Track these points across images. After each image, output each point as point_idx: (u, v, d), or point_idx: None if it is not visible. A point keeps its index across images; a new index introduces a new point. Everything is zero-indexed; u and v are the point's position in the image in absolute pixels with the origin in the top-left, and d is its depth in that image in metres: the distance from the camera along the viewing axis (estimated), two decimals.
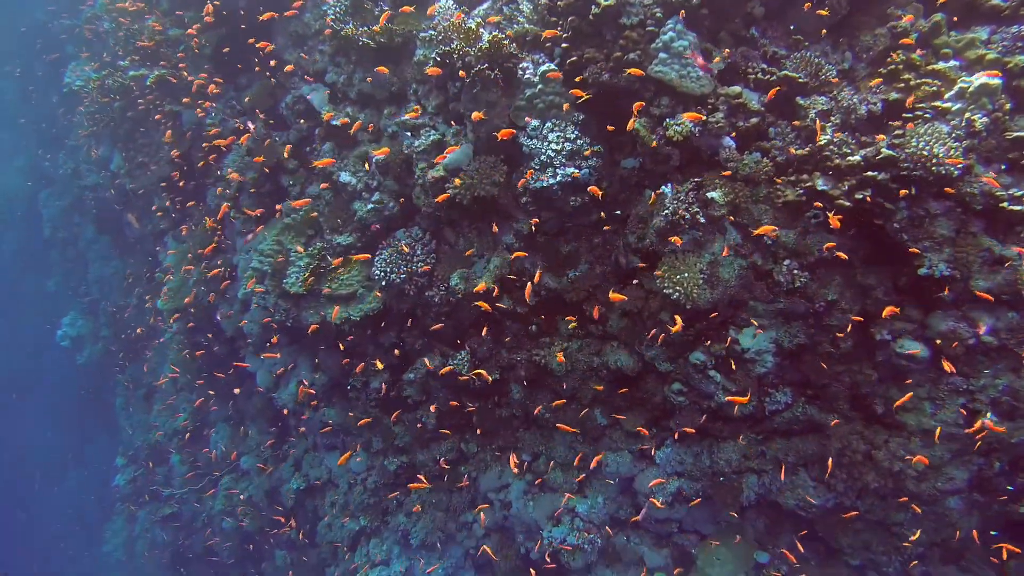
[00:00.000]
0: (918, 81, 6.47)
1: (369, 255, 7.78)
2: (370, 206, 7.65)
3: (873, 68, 6.89)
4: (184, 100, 9.92)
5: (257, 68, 8.78)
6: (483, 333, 7.60)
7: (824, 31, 6.84)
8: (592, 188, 6.64)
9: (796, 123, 6.60)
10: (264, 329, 9.26)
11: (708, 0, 6.32)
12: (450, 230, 7.58)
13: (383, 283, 7.67)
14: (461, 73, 6.61)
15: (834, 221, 6.22)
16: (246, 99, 8.97)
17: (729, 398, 6.91)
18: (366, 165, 7.71)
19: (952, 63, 6.51)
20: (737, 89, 6.54)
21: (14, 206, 21.15)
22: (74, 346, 17.83)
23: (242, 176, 9.08)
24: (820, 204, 6.40)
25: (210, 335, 10.96)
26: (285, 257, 8.43)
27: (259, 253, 8.69)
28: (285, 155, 8.50)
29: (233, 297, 9.91)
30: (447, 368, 7.82)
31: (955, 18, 6.62)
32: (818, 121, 6.47)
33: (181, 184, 10.48)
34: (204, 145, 9.75)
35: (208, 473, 12.28)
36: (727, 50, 6.61)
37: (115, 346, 15.77)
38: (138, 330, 14.16)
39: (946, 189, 6.06)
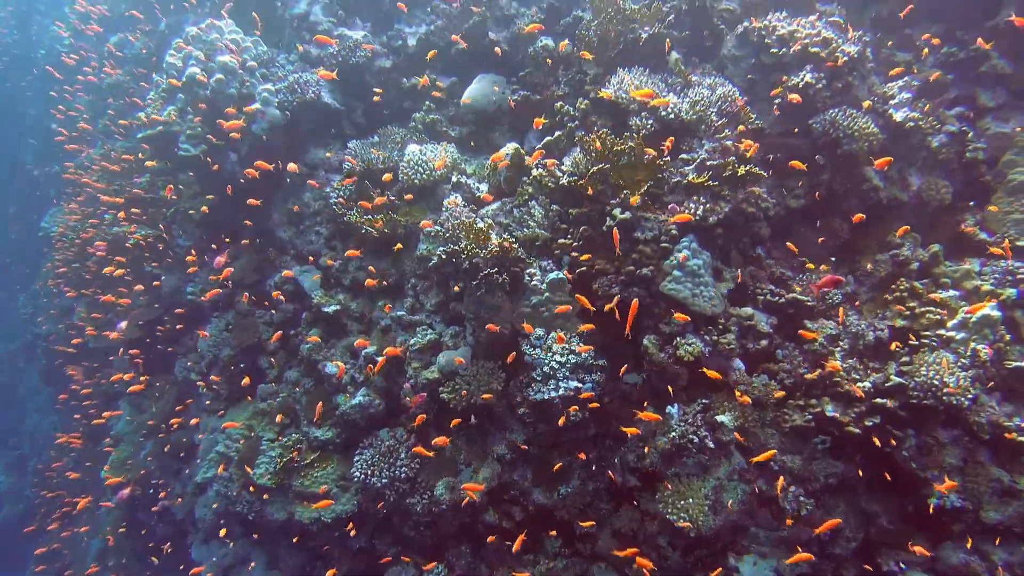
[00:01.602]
0: (922, 309, 6.45)
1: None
2: (355, 401, 7.15)
3: (875, 293, 6.90)
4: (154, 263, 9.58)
5: (245, 242, 8.51)
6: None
7: (830, 257, 6.86)
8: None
9: (808, 336, 6.47)
10: (219, 516, 8.44)
11: (722, 220, 6.27)
12: (437, 434, 7.09)
13: (361, 486, 7.06)
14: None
15: None
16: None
17: None
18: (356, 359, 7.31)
19: (952, 292, 6.52)
20: (749, 311, 6.43)
21: None
22: None
23: (217, 351, 8.58)
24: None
25: (155, 513, 10.01)
26: (255, 444, 7.79)
27: (226, 436, 8.07)
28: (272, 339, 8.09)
29: (188, 478, 9.12)
30: None
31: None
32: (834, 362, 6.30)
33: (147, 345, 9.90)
34: (178, 312, 9.31)
35: None
36: (739, 271, 6.52)
37: (39, 510, 14.36)
38: (67, 499, 12.93)
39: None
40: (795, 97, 6.53)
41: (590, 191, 6.34)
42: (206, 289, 8.96)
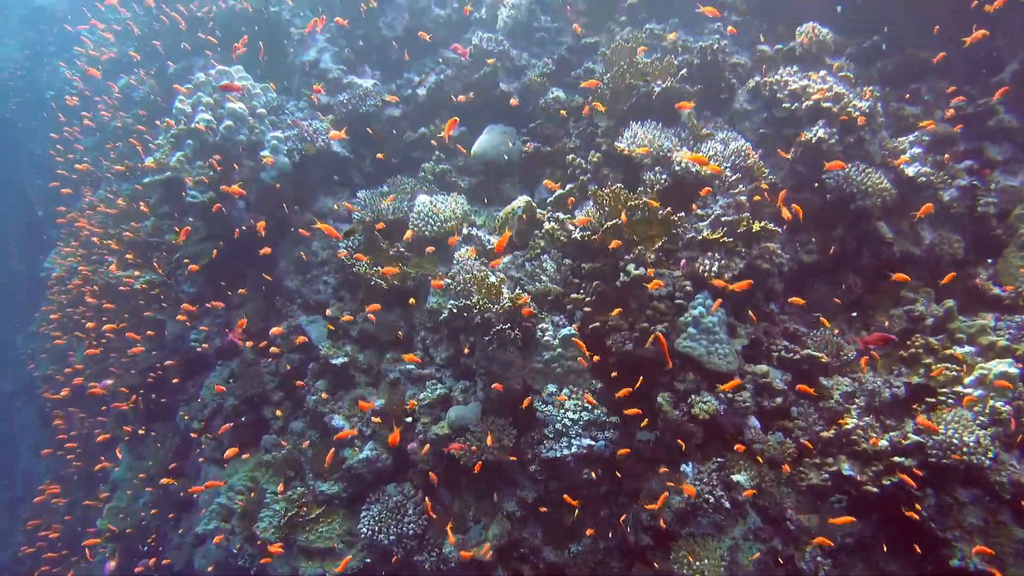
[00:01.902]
0: (939, 366, 6.38)
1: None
2: (362, 455, 7.01)
3: (890, 348, 6.84)
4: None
5: (242, 291, 8.42)
6: None
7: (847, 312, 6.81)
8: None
9: (809, 392, 6.41)
10: (219, 570, 8.24)
11: (738, 276, 6.22)
12: (446, 490, 6.96)
13: (368, 542, 6.90)
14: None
15: None
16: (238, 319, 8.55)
17: None
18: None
19: (968, 348, 6.46)
20: (764, 368, 6.35)
21: None
22: None
23: (220, 400, 8.45)
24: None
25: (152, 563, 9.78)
26: (258, 497, 7.64)
27: (229, 488, 7.91)
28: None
29: (187, 529, 8.93)
30: None
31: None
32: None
33: (152, 396, 9.76)
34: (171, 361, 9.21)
35: None
36: (751, 329, 6.46)
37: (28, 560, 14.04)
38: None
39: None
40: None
41: (615, 244, 6.23)
42: (210, 337, 8.87)
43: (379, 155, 8.11)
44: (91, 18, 12.94)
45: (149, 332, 9.68)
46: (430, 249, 7.27)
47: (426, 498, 6.87)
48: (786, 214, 6.39)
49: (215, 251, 8.37)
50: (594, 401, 6.27)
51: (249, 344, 8.27)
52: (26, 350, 15.04)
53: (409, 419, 6.89)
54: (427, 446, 6.71)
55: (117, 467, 10.44)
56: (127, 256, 10.09)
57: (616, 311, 6.21)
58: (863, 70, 7.68)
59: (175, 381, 9.37)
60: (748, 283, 5.94)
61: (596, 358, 6.28)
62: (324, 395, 7.47)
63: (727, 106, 7.27)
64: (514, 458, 6.51)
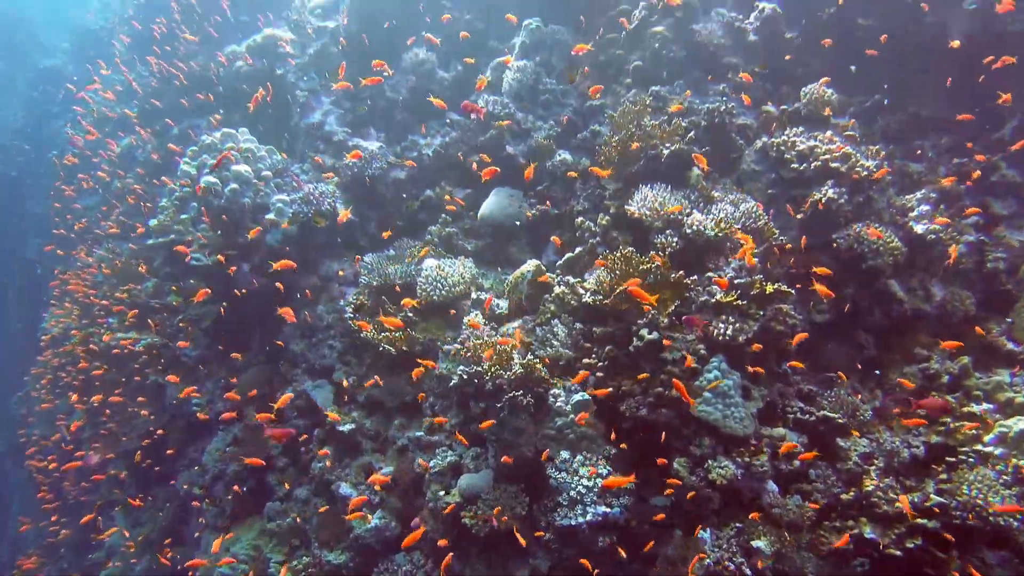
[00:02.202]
0: (956, 424, 6.31)
1: None
2: (371, 525, 6.85)
3: (905, 408, 6.77)
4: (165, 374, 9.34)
5: (237, 355, 8.33)
6: None
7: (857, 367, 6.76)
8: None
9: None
10: None
11: (753, 339, 6.17)
12: (457, 559, 6.78)
13: None
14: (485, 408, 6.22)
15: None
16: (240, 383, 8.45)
17: None
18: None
19: (986, 406, 6.40)
20: (782, 431, 6.26)
21: None
22: None
23: (223, 466, 8.29)
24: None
25: None
26: (262, 567, 7.44)
27: (231, 556, 7.71)
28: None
29: None
30: None
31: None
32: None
33: (147, 462, 9.57)
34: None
35: None
36: (765, 390, 6.38)
37: None
38: None
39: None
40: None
41: (649, 305, 6.18)
42: (213, 401, 8.76)
43: (384, 233, 8.07)
44: (95, 78, 13.07)
45: (140, 398, 9.57)
46: (453, 313, 7.20)
47: (442, 565, 6.67)
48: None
49: (221, 310, 8.31)
50: (623, 481, 6.14)
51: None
52: (19, 411, 14.84)
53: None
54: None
55: (112, 533, 10.20)
56: (127, 318, 10.01)
57: (642, 375, 6.13)
58: (866, 128, 7.76)
59: (170, 451, 9.21)
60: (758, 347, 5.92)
61: (613, 434, 6.18)
62: (329, 463, 7.32)
63: (735, 167, 7.30)
64: (522, 539, 6.35)
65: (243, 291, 8.09)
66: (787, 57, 7.77)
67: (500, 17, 8.66)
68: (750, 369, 6.26)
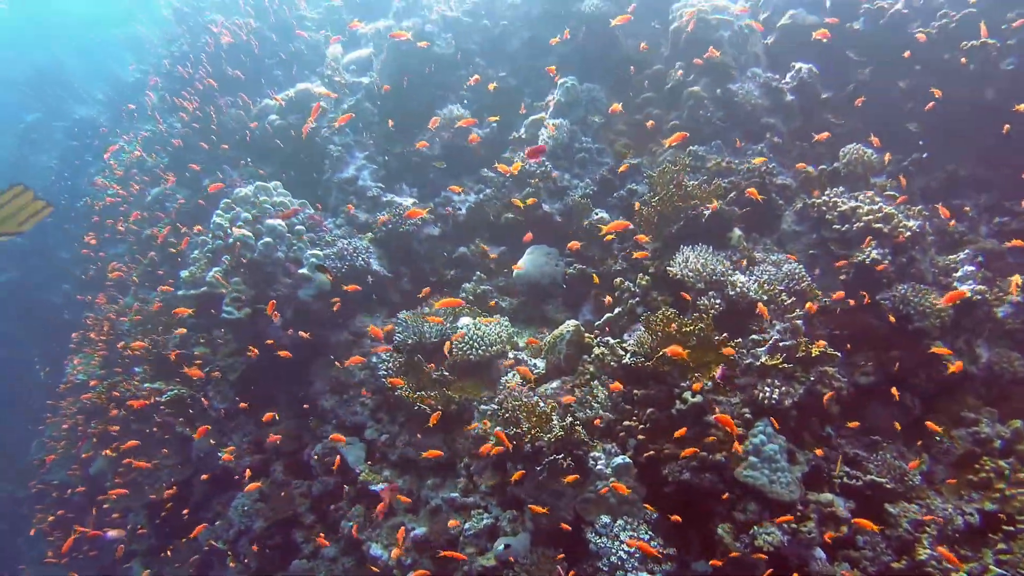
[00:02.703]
0: (1012, 491, 6.14)
1: None
2: None
3: (954, 472, 6.62)
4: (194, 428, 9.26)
5: (272, 414, 8.28)
6: None
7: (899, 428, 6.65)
8: None
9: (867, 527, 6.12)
10: None
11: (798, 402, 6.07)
12: None
13: None
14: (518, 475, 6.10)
15: None
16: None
17: None
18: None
19: None
20: (829, 496, 6.11)
21: None
22: None
23: (249, 522, 8.17)
24: None
25: None
26: None
27: None
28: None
29: None
30: None
31: None
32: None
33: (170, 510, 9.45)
34: (204, 477, 8.96)
35: None
36: (813, 452, 6.26)
37: None
38: None
39: None
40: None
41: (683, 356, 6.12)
42: (240, 455, 8.67)
43: (422, 291, 8.05)
44: (129, 129, 13.32)
45: (164, 450, 9.52)
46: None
47: None
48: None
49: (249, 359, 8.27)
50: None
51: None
52: (40, 455, 14.78)
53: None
54: None
55: None
56: (153, 368, 10.00)
57: (681, 436, 6.02)
58: (903, 189, 7.73)
59: (185, 511, 9.10)
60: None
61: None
62: (355, 529, 7.17)
63: (775, 227, 7.27)
64: None
65: (273, 341, 8.06)
66: (832, 118, 7.79)
67: (534, 75, 8.79)
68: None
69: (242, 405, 8.45)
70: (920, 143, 7.81)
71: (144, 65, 16.34)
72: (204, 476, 9.02)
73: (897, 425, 6.71)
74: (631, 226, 7.08)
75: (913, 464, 6.43)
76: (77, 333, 12.81)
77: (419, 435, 7.20)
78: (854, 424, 6.56)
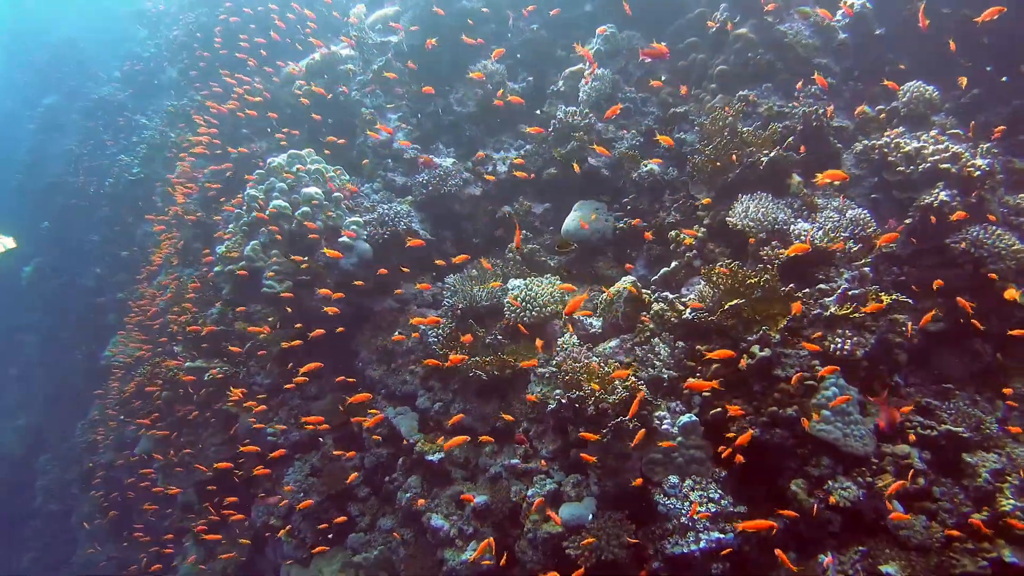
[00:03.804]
0: None
1: None
2: (466, 556, 6.65)
3: None
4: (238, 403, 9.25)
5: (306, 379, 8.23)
6: None
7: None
8: None
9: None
10: None
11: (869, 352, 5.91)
12: None
13: None
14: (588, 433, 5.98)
15: None
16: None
17: None
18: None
19: None
20: (906, 448, 5.97)
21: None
22: None
23: (300, 497, 8.16)
24: None
25: None
26: None
27: None
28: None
29: None
30: None
31: None
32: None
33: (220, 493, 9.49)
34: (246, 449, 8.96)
35: None
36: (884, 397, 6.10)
37: None
38: None
39: None
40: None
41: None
42: (288, 431, 8.65)
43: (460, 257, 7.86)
44: (150, 106, 13.18)
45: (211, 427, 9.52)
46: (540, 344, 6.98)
47: None
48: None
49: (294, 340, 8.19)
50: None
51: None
52: (86, 437, 14.97)
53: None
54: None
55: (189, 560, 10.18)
56: (193, 345, 9.97)
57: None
58: (962, 125, 7.44)
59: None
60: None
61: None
62: (421, 501, 7.13)
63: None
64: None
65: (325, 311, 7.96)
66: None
67: (566, 26, 8.52)
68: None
69: (288, 385, 8.35)
70: (988, 71, 7.45)
71: (158, 39, 16.11)
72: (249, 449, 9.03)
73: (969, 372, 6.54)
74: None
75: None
76: (132, 316, 12.78)
77: (474, 401, 7.11)
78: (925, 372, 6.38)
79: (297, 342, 8.15)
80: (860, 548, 5.92)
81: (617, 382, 6.14)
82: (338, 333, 8.09)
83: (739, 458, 5.94)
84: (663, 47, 7.33)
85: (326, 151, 9.09)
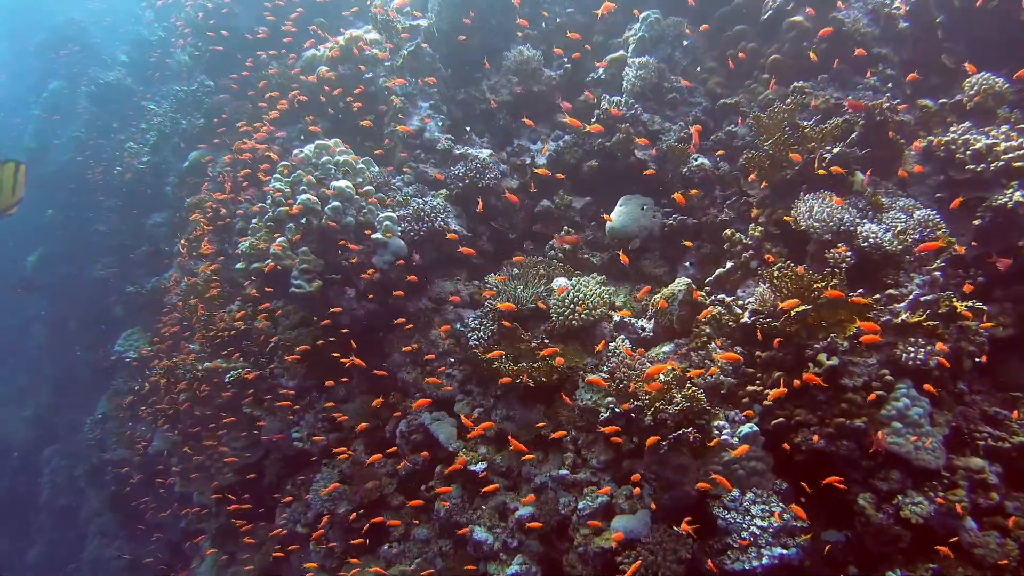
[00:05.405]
0: None
1: None
2: (511, 571, 6.48)
3: None
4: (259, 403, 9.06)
5: (345, 379, 8.02)
6: None
7: None
8: None
9: None
10: None
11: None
12: None
13: None
14: (649, 440, 5.77)
15: None
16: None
17: None
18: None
19: None
20: (979, 462, 5.79)
21: (7, 459, 19.73)
22: None
23: (331, 505, 7.97)
24: None
25: None
26: None
27: None
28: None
29: None
30: None
31: None
32: None
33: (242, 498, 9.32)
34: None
35: None
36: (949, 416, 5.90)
37: None
38: None
39: None
40: None
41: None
42: (313, 434, 8.47)
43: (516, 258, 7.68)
44: (158, 90, 12.90)
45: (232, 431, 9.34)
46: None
47: None
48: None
49: (320, 341, 7.98)
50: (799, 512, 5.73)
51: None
52: (94, 433, 14.80)
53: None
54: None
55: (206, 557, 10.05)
56: (212, 345, 9.77)
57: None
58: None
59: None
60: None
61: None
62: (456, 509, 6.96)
63: (892, 169, 6.77)
64: None
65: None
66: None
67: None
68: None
69: (325, 383, 8.18)
70: None
71: (165, 21, 15.79)
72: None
73: None
74: None
75: None
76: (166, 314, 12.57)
77: (518, 408, 6.91)
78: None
79: (320, 342, 7.97)
80: (931, 566, 5.76)
81: (675, 391, 5.94)
82: (369, 334, 7.88)
83: (806, 487, 5.80)
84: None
85: (357, 137, 8.83)
